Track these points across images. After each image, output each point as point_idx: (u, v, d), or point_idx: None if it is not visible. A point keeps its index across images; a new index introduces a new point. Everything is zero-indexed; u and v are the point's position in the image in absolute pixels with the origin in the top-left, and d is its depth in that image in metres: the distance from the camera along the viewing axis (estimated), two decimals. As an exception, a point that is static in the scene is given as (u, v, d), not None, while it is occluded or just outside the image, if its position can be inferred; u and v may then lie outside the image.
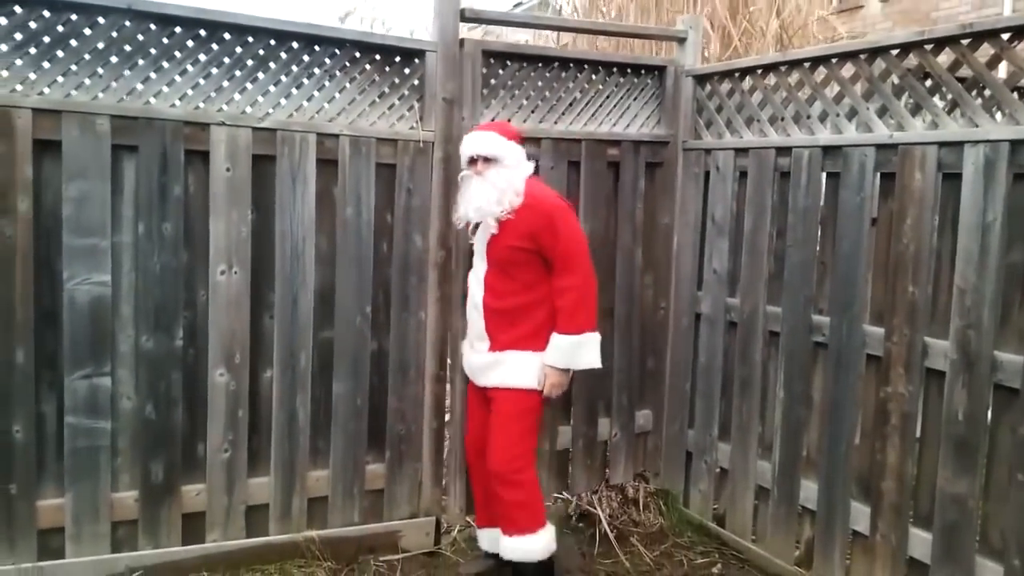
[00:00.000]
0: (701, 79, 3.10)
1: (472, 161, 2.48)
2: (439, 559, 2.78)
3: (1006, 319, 2.11)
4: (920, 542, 2.30)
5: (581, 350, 2.46)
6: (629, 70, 3.08)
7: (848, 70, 2.54)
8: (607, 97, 3.04)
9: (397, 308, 2.74)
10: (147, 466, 2.48)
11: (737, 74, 2.94)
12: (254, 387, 2.61)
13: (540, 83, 2.91)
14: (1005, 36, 2.11)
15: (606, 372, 3.14)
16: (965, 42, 2.20)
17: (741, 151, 2.89)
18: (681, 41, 3.14)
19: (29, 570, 2.36)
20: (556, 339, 2.46)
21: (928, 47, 2.28)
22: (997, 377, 2.11)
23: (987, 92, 2.17)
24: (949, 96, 2.24)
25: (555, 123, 2.94)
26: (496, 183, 2.42)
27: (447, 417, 2.91)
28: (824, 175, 2.61)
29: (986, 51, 2.17)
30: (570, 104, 2.97)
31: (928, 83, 2.32)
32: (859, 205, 2.45)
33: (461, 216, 2.51)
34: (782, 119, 2.74)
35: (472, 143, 2.49)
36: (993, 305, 2.10)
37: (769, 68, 2.80)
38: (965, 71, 2.21)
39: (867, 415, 2.47)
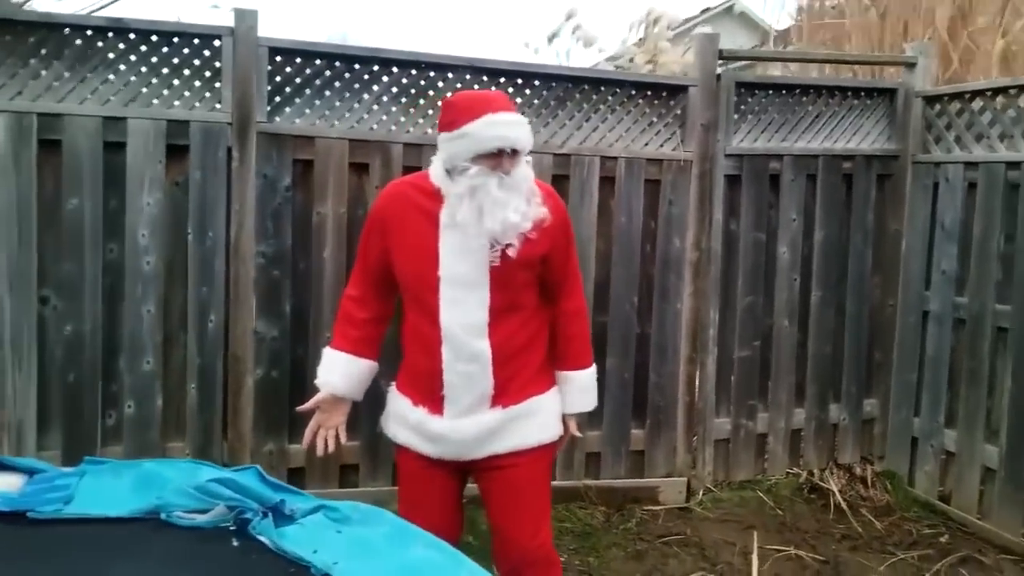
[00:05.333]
0: (930, 100, 3.62)
1: (494, 155, 1.86)
2: (691, 513, 3.47)
3: None
4: None
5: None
6: (862, 93, 3.67)
7: (1081, 92, 2.99)
8: (842, 118, 3.64)
9: (658, 299, 3.47)
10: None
11: (967, 95, 3.43)
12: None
13: (783, 107, 3.56)
14: None
15: (837, 362, 3.72)
16: None
17: (970, 165, 3.38)
18: (911, 66, 3.66)
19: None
20: (584, 377, 2.16)
21: None
22: None
23: None
24: None
25: (795, 142, 3.57)
26: (525, 187, 1.90)
27: (697, 394, 3.59)
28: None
29: None
30: (809, 124, 3.59)
31: None
32: (1090, 213, 2.90)
33: (488, 237, 1.87)
34: (1011, 136, 3.21)
35: (506, 129, 1.87)
36: None
37: (999, 91, 3.28)
38: None
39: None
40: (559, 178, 3.32)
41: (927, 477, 3.60)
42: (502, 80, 3.23)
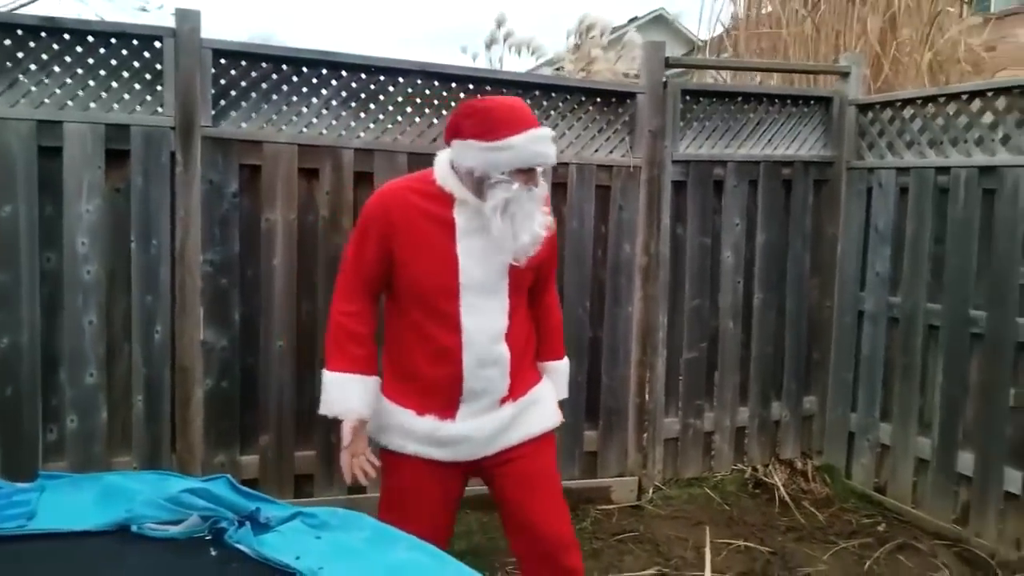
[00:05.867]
0: (864, 108, 3.82)
1: (529, 169, 1.89)
2: (643, 511, 3.58)
3: None
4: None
5: None
6: (800, 101, 3.84)
7: (1002, 103, 3.20)
8: (781, 125, 3.81)
9: (610, 303, 3.56)
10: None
11: (898, 104, 3.64)
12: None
13: (726, 115, 3.71)
14: None
15: (778, 361, 3.89)
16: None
17: (902, 170, 3.58)
18: (845, 75, 3.86)
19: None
20: (566, 364, 2.31)
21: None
22: None
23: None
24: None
25: (738, 148, 3.72)
26: (544, 200, 1.98)
27: (647, 395, 3.70)
28: (980, 190, 3.27)
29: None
30: (751, 131, 3.75)
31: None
32: (1012, 217, 3.11)
33: (519, 250, 1.90)
34: (941, 143, 3.42)
35: (547, 146, 1.90)
36: None
37: (928, 99, 3.49)
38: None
39: (1021, 394, 3.12)
40: (510, 183, 3.38)
41: (864, 469, 3.79)
42: (454, 85, 3.27)
